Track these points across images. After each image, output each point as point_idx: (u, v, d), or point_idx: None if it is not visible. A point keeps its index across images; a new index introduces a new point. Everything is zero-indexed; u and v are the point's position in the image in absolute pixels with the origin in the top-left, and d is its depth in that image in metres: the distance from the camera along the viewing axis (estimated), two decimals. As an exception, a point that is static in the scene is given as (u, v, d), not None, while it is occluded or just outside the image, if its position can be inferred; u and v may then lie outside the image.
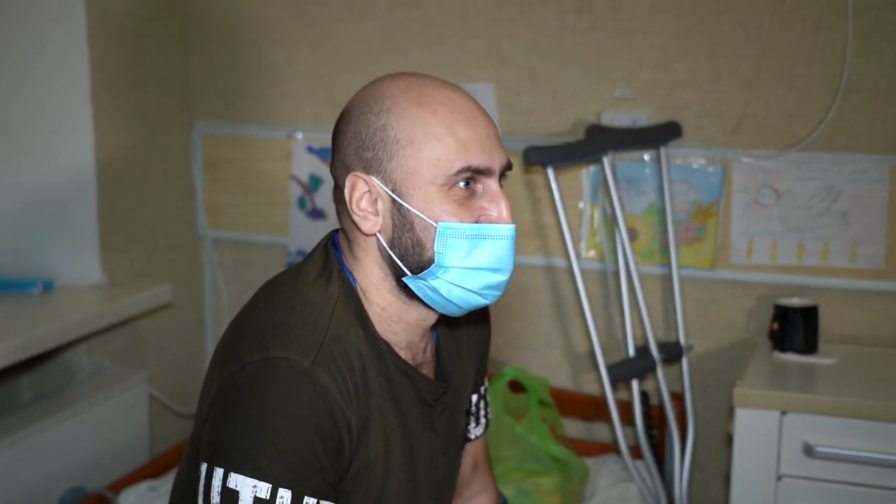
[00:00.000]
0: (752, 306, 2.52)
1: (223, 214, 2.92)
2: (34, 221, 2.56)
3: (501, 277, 1.31)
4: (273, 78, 2.82)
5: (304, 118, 2.81)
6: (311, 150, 2.80)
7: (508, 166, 1.32)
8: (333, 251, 1.36)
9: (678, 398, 2.51)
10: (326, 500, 1.24)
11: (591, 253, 2.61)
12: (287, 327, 1.26)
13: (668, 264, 2.51)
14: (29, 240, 2.56)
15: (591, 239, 2.60)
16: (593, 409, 2.61)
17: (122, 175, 2.61)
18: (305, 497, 1.21)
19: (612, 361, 2.45)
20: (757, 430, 2.14)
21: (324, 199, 2.80)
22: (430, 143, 1.27)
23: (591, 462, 2.51)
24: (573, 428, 2.68)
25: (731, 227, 2.50)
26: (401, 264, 1.30)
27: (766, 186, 2.46)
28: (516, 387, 2.53)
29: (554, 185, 2.38)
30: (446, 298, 1.31)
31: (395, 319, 1.35)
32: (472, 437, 1.61)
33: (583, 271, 2.45)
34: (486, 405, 1.62)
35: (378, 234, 1.31)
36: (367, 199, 1.30)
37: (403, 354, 1.36)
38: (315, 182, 2.81)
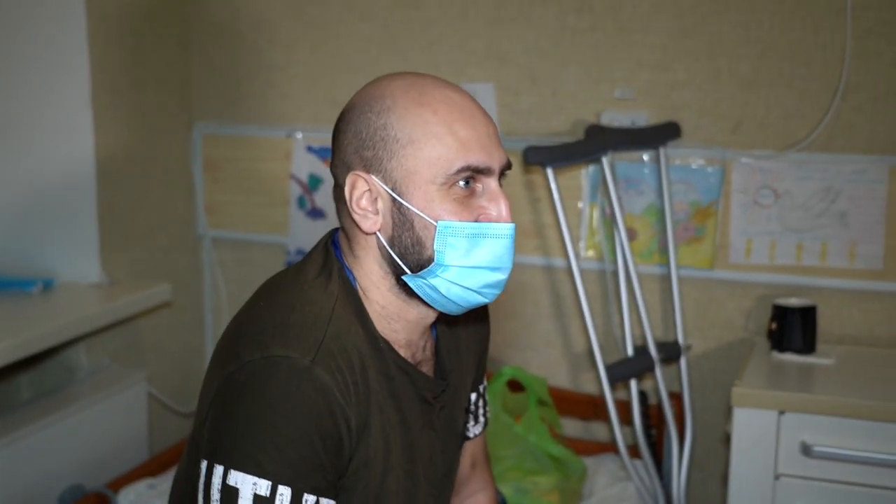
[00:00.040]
0: (750, 306, 2.52)
1: (223, 214, 2.92)
2: (34, 220, 2.56)
3: (501, 276, 1.31)
4: (273, 78, 2.82)
5: (304, 118, 2.81)
6: (310, 149, 2.80)
7: (508, 166, 1.33)
8: (333, 250, 1.36)
9: (676, 398, 2.52)
10: (326, 497, 1.24)
11: (590, 253, 2.61)
12: (287, 326, 1.26)
13: (667, 264, 2.51)
14: (29, 239, 2.56)
15: (590, 239, 2.60)
16: (592, 408, 2.61)
17: (122, 175, 2.61)
18: (305, 494, 1.22)
19: (610, 361, 2.46)
20: (755, 429, 2.14)
21: (323, 198, 2.80)
22: (431, 142, 1.27)
23: (589, 461, 2.51)
24: (572, 427, 2.68)
25: (729, 227, 2.50)
26: (400, 263, 1.31)
27: (765, 187, 2.47)
28: (515, 386, 2.53)
29: (553, 185, 2.38)
30: (446, 297, 1.31)
31: (394, 318, 1.35)
32: (471, 435, 1.61)
33: (582, 271, 2.46)
34: (485, 404, 1.63)
35: (378, 232, 1.31)
36: (367, 198, 1.30)
37: (403, 352, 1.36)
38: (314, 182, 2.81)
